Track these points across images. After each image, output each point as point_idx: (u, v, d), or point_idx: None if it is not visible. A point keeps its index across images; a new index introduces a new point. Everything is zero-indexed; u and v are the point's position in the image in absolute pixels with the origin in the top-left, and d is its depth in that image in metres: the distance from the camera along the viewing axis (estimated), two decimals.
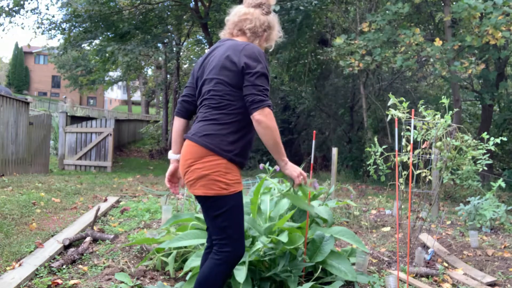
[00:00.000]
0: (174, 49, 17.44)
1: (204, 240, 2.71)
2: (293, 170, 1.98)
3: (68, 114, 13.05)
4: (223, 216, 1.93)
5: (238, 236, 1.95)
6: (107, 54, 13.97)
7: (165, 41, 16.59)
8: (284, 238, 2.57)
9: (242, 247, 1.96)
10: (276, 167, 4.28)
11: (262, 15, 2.11)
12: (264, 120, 1.84)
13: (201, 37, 18.58)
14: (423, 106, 3.76)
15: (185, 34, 17.40)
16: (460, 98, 10.69)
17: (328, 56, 10.39)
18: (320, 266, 2.77)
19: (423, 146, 3.68)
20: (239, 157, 1.94)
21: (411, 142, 3.46)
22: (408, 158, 3.57)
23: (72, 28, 13.67)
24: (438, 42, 8.50)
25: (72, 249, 3.51)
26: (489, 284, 3.04)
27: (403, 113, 3.62)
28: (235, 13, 2.13)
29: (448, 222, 5.13)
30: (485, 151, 3.71)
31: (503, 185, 4.56)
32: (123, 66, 17.84)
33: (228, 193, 1.91)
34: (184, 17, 15.07)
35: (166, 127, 19.28)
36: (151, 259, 3.14)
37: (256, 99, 1.84)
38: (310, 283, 2.54)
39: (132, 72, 21.74)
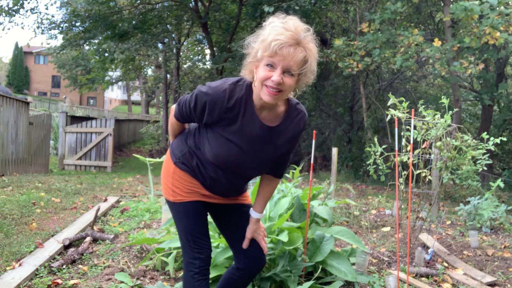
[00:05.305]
0: (174, 49, 17.43)
1: None
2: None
3: (68, 114, 13.05)
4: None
5: (182, 245, 1.92)
6: (106, 54, 13.97)
7: (165, 40, 16.59)
8: (284, 237, 2.57)
9: (188, 257, 1.88)
10: None
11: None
12: (171, 112, 1.91)
13: (201, 37, 18.58)
14: (423, 106, 3.76)
15: (185, 34, 17.39)
16: (460, 98, 10.69)
17: (329, 57, 10.40)
18: (320, 266, 2.77)
19: (423, 146, 3.68)
20: (183, 165, 1.88)
21: (411, 142, 3.46)
22: (408, 158, 3.57)
23: (72, 27, 13.68)
24: (437, 43, 8.51)
25: (72, 249, 3.51)
26: (489, 284, 3.04)
27: (403, 113, 3.62)
28: None
29: (448, 222, 5.14)
30: (485, 151, 3.71)
31: (502, 185, 4.56)
32: (121, 66, 17.85)
33: (173, 200, 1.90)
34: (184, 17, 15.07)
35: (166, 127, 19.26)
36: (151, 259, 3.14)
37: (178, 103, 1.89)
38: (310, 282, 2.54)
39: (132, 72, 21.74)
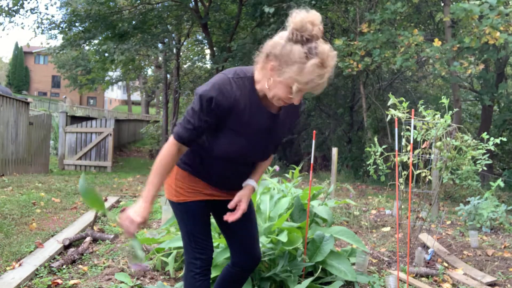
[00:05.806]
0: (174, 49, 17.42)
1: None
2: (130, 213, 1.79)
3: (68, 114, 13.06)
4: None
5: (184, 244, 1.92)
6: (106, 54, 13.97)
7: (165, 40, 16.58)
8: (283, 238, 2.57)
9: (189, 257, 1.89)
10: (276, 167, 4.28)
11: (284, 40, 1.58)
12: (165, 145, 1.76)
13: (201, 37, 18.58)
14: (423, 106, 3.76)
15: (185, 34, 17.39)
16: (460, 98, 10.69)
17: None
18: (320, 266, 2.77)
19: (423, 146, 3.68)
20: (186, 165, 1.87)
21: (411, 142, 3.46)
22: (408, 158, 3.57)
23: (72, 27, 13.68)
24: (437, 43, 8.51)
25: (72, 249, 3.51)
26: (489, 284, 3.04)
27: (403, 113, 3.62)
28: None
29: (448, 222, 5.14)
30: (485, 151, 3.71)
31: (502, 185, 4.56)
32: (121, 66, 17.86)
33: (176, 200, 1.90)
34: (184, 17, 15.06)
35: (166, 127, 19.26)
36: (151, 259, 3.15)
37: (175, 128, 1.78)
38: (308, 281, 2.54)
39: (132, 72, 21.74)
